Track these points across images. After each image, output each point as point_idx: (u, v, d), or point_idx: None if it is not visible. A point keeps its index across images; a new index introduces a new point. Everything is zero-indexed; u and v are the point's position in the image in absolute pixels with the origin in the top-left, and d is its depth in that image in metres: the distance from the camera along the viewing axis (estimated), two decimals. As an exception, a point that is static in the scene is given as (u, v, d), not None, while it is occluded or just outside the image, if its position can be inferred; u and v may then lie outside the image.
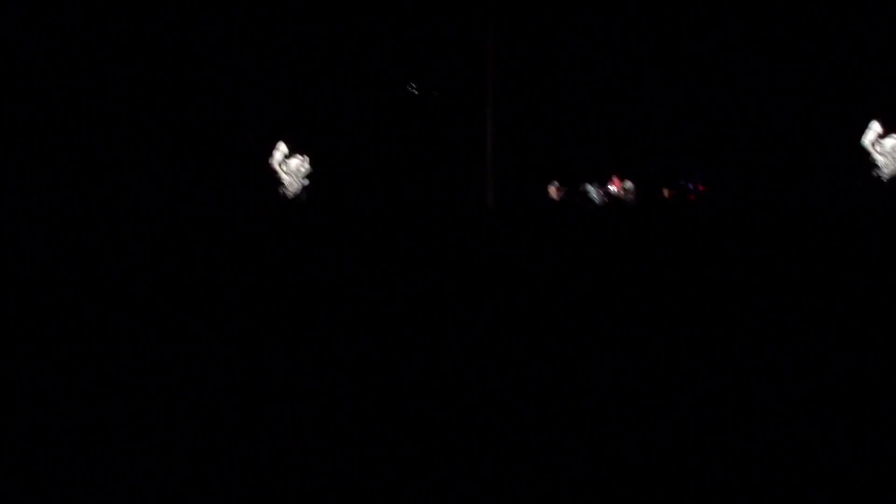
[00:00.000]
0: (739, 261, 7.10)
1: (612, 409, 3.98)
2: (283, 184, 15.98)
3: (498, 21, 18.55)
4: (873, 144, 14.29)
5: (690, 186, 20.22)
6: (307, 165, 15.97)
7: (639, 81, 19.83)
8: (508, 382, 4.48)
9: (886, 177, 14.29)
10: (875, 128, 14.35)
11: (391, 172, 19.67)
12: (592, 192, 19.32)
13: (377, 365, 4.76)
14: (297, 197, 15.89)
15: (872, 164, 14.47)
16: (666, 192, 19.32)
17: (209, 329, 5.61)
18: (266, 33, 19.25)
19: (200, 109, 18.95)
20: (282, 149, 15.98)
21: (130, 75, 18.51)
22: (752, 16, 18.60)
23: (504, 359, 4.96)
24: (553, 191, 19.11)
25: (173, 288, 6.47)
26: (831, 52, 17.83)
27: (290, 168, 16.05)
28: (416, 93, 20.72)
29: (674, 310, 5.94)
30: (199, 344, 5.27)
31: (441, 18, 19.49)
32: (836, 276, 6.49)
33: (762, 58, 18.70)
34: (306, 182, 15.94)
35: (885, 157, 14.33)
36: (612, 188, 19.40)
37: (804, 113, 18.25)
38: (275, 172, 15.98)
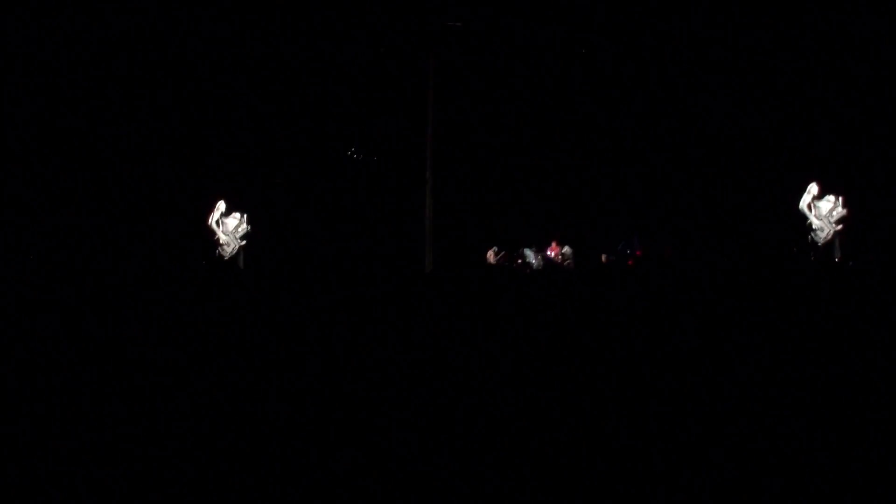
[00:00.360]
0: (674, 324, 7.12)
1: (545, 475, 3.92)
2: (220, 244, 15.79)
3: (439, 88, 18.76)
4: (810, 208, 14.60)
5: (628, 251, 20.43)
6: (245, 225, 15.82)
7: (577, 149, 20.10)
8: (443, 459, 4.40)
9: (822, 240, 14.57)
10: (812, 191, 14.60)
11: (330, 235, 19.63)
12: (531, 257, 19.44)
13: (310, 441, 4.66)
14: (233, 257, 15.71)
15: (808, 228, 14.75)
16: (603, 258, 19.51)
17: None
18: (212, 92, 19.24)
19: (137, 166, 18.79)
20: (220, 208, 15.81)
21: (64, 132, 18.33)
22: (683, 86, 19.04)
23: (439, 427, 4.88)
24: (491, 256, 19.19)
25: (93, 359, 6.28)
26: (766, 116, 18.29)
27: (228, 228, 15.88)
28: (357, 158, 20.78)
29: (612, 373, 5.91)
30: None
31: (382, 85, 19.67)
32: (773, 340, 6.53)
33: (696, 123, 19.10)
34: (243, 242, 15.77)
35: (821, 220, 14.63)
36: (551, 253, 19.54)
37: (741, 177, 18.62)
38: (212, 232, 15.79)
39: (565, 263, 19.19)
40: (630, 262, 19.71)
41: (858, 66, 17.02)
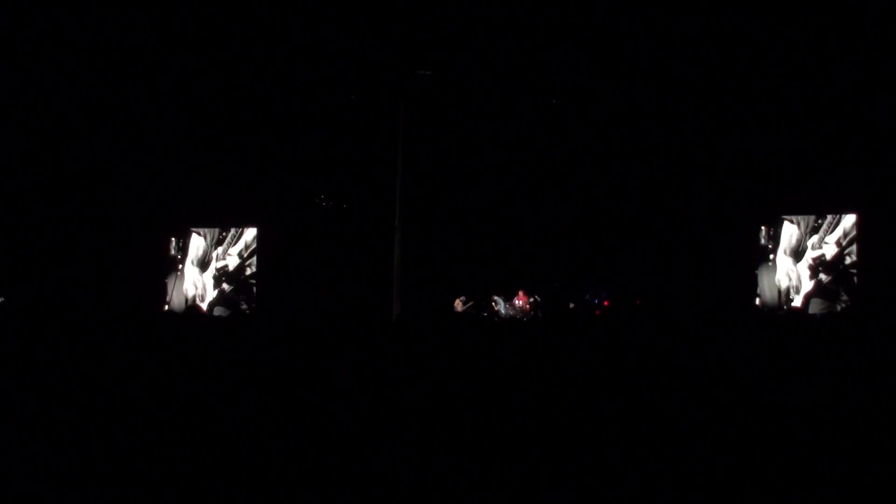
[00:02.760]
0: (642, 376, 7.09)
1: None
2: (184, 286, 15.66)
3: (408, 136, 18.79)
4: (771, 262, 14.72)
5: (596, 301, 20.45)
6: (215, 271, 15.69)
7: (546, 199, 20.18)
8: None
9: (782, 293, 14.66)
10: (785, 244, 14.58)
11: (299, 281, 19.52)
12: (501, 305, 19.41)
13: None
14: (199, 300, 15.55)
15: (771, 282, 14.85)
16: (571, 307, 19.51)
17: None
18: (178, 132, 19.19)
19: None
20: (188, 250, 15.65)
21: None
22: (653, 138, 19.23)
23: (406, 479, 4.80)
24: (458, 304, 19.14)
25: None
26: (730, 172, 18.48)
27: (193, 271, 15.78)
28: (326, 205, 20.73)
29: (581, 426, 5.86)
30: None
31: (352, 133, 19.69)
32: (740, 395, 6.50)
33: (663, 175, 19.26)
34: (215, 289, 15.62)
35: (785, 276, 14.73)
36: (519, 303, 19.52)
37: (705, 232, 18.76)
38: (178, 270, 15.65)
39: (533, 313, 19.18)
40: (598, 312, 19.74)
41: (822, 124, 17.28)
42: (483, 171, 20.11)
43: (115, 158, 18.88)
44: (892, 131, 16.51)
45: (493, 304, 19.47)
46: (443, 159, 19.95)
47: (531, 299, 19.75)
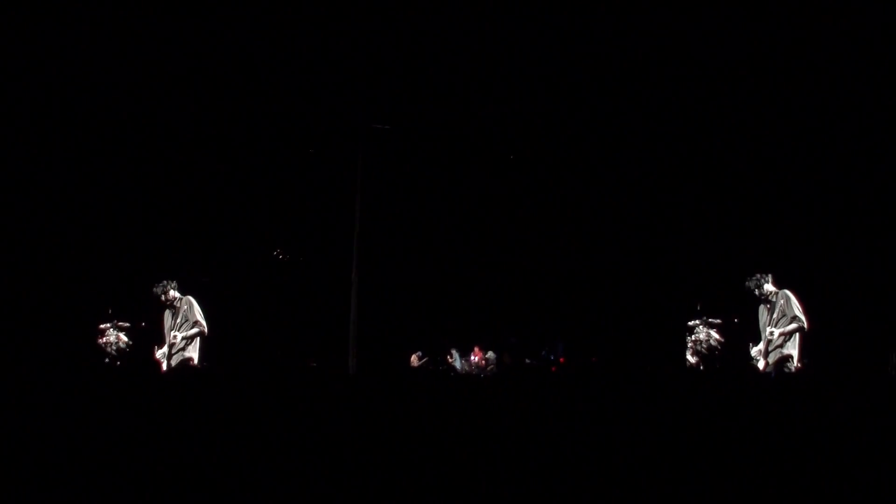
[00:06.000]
0: (598, 431, 7.08)
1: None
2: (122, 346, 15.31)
3: (366, 190, 18.81)
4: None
5: (552, 357, 20.51)
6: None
7: (504, 255, 20.28)
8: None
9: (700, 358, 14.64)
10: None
11: (253, 335, 19.32)
12: (457, 360, 19.39)
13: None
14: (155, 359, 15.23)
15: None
16: (527, 363, 19.54)
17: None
18: (132, 187, 19.03)
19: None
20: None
21: None
22: (605, 195, 19.44)
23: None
24: (414, 360, 19.10)
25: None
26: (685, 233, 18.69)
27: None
28: (282, 258, 20.64)
29: (537, 480, 5.83)
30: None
31: (308, 184, 19.67)
32: (697, 453, 6.52)
33: (620, 232, 19.43)
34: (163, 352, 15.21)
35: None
36: (474, 358, 19.51)
37: (664, 291, 18.89)
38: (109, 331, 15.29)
39: (489, 368, 19.17)
40: (553, 369, 19.77)
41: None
42: (441, 225, 20.17)
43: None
44: None
45: (449, 357, 19.45)
46: (401, 213, 19.99)
47: (487, 355, 19.76)
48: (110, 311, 15.62)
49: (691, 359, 14.17)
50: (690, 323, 14.71)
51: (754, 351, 13.30)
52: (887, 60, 15.72)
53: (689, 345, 14.42)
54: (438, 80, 17.89)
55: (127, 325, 15.36)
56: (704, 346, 14.17)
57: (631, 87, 17.67)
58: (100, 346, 14.96)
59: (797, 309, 12.87)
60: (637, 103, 17.99)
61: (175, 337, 14.57)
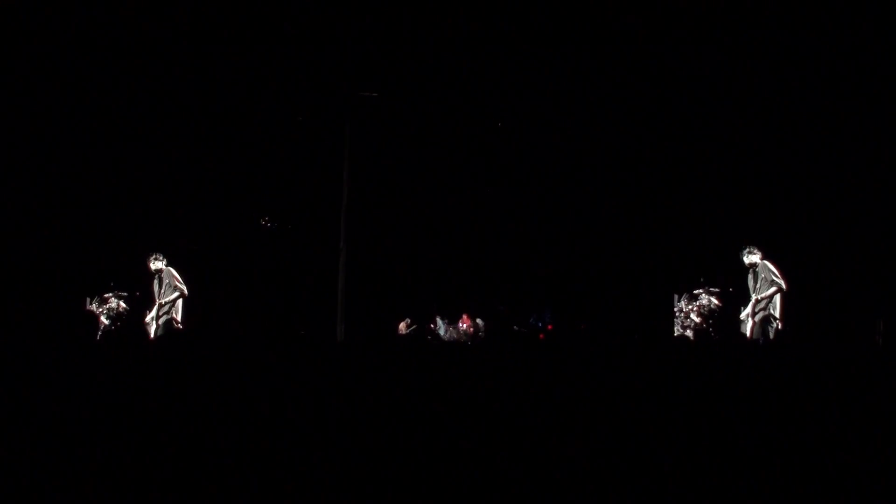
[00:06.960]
0: (585, 399, 7.09)
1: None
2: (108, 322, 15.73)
3: (354, 158, 18.73)
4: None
5: (540, 325, 20.57)
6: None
7: (492, 222, 20.26)
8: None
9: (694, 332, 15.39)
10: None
11: (240, 304, 19.31)
12: (441, 328, 19.43)
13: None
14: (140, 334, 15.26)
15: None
16: (515, 330, 19.59)
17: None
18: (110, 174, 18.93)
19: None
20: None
21: None
22: (598, 164, 19.40)
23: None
24: (403, 327, 19.12)
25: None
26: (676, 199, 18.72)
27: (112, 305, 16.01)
28: (269, 226, 20.59)
29: (523, 449, 5.83)
30: None
31: (297, 153, 19.59)
32: (685, 422, 6.53)
33: (611, 200, 19.44)
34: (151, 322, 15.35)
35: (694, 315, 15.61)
36: (463, 325, 19.55)
37: (655, 258, 18.94)
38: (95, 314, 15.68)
39: (478, 335, 19.22)
40: (541, 336, 19.84)
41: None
42: (429, 194, 20.13)
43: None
44: None
45: (433, 325, 19.52)
46: (389, 182, 19.94)
47: (475, 322, 19.80)
48: (112, 284, 16.74)
49: (696, 318, 15.60)
50: (695, 291, 16.05)
51: (743, 314, 14.44)
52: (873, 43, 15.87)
53: (694, 308, 15.90)
54: (426, 48, 17.78)
55: (125, 294, 16.64)
56: (706, 310, 15.73)
57: (623, 53, 17.61)
58: (103, 311, 16.31)
59: (775, 275, 14.02)
60: (628, 72, 17.94)
61: (159, 304, 15.39)
